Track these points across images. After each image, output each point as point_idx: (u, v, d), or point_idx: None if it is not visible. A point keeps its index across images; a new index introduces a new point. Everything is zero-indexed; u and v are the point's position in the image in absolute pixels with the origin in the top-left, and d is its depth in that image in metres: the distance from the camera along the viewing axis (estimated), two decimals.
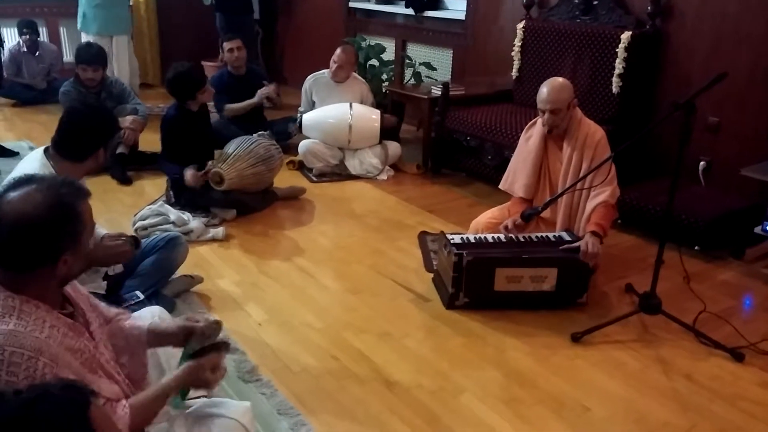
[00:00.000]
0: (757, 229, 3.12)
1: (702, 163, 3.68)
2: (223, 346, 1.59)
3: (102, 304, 1.62)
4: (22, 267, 1.28)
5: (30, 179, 1.32)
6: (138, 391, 1.51)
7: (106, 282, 2.42)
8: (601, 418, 2.12)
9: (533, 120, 3.00)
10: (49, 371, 1.22)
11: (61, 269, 1.30)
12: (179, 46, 6.88)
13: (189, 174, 3.46)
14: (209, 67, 6.54)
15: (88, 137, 2.23)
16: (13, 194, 1.28)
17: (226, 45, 4.67)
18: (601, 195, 2.74)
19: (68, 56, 6.45)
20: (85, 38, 5.28)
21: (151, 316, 1.75)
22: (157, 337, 1.62)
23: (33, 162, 2.23)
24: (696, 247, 3.27)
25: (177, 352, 1.65)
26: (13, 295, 1.27)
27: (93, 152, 2.23)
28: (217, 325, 1.60)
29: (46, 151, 2.26)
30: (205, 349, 1.55)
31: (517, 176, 2.99)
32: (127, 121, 4.15)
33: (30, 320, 1.26)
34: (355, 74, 4.70)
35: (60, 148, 2.23)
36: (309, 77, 4.64)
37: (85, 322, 1.42)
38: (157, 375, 1.70)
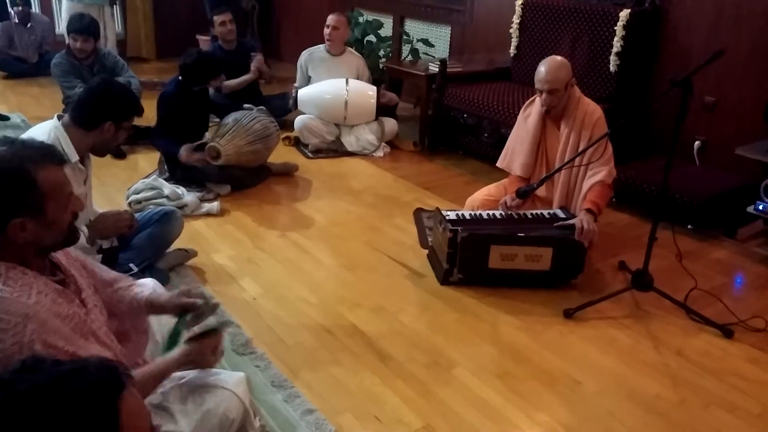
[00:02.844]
0: (750, 209, 3.13)
1: (697, 142, 3.68)
2: (222, 328, 1.61)
3: (100, 267, 1.62)
4: None
5: (1, 141, 1.30)
6: (138, 359, 1.52)
7: (101, 255, 2.42)
8: (592, 392, 2.15)
9: (531, 98, 2.99)
10: (37, 337, 1.21)
11: (19, 234, 1.26)
12: (173, 20, 6.80)
13: (184, 151, 3.44)
14: (203, 41, 6.49)
15: (98, 107, 2.22)
16: None
17: (217, 18, 4.62)
18: (598, 174, 2.75)
19: (60, 28, 6.37)
20: (75, 9, 5.18)
21: (153, 284, 1.75)
22: (155, 309, 1.63)
23: (44, 125, 2.25)
24: (689, 226, 3.29)
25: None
26: None
27: (98, 124, 2.20)
28: (215, 306, 1.62)
29: (60, 116, 2.26)
30: (205, 333, 1.55)
31: (515, 155, 2.98)
32: None
33: (17, 286, 1.24)
34: (351, 49, 4.66)
35: (73, 111, 2.24)
36: (304, 52, 4.60)
37: (76, 289, 1.40)
38: (152, 347, 1.72)
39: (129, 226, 2.33)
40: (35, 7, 6.24)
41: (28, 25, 5.82)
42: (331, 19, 4.46)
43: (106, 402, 0.86)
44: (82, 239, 2.13)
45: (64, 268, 1.41)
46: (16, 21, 5.72)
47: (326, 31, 4.45)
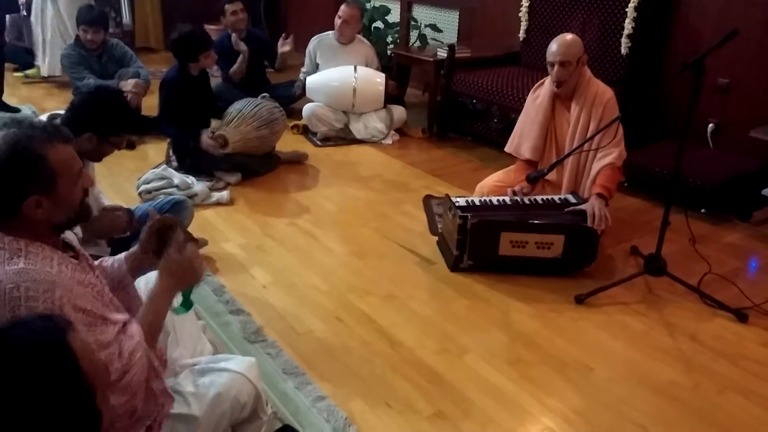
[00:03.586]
0: (765, 192, 3.09)
1: (711, 125, 3.63)
2: (174, 222, 1.59)
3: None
4: None
5: (8, 122, 1.31)
6: None
7: (110, 247, 2.43)
8: (605, 378, 2.14)
9: (541, 80, 2.96)
10: (66, 301, 1.25)
11: (34, 212, 1.29)
12: (181, 9, 6.77)
13: (205, 139, 3.45)
14: (212, 31, 6.43)
15: (80, 116, 2.15)
16: None
17: (228, 7, 4.58)
18: (608, 157, 2.71)
19: None
20: None
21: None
22: (131, 258, 1.63)
23: None
24: (702, 210, 3.25)
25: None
26: (17, 238, 1.29)
27: (78, 133, 2.09)
28: (167, 220, 1.61)
29: (52, 116, 2.23)
30: (162, 241, 1.55)
31: (524, 138, 2.96)
32: (129, 84, 4.12)
33: (38, 259, 1.28)
34: (361, 37, 4.63)
35: (65, 113, 2.21)
36: (313, 38, 4.57)
37: (89, 266, 1.45)
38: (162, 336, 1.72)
39: (125, 228, 2.30)
40: None
41: None
42: (343, 11, 4.41)
43: (57, 341, 0.89)
44: (75, 240, 2.12)
45: (76, 249, 1.45)
46: (25, 13, 5.72)
47: (337, 22, 4.41)
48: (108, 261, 1.64)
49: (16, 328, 0.90)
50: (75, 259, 1.40)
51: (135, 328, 1.40)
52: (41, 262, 1.28)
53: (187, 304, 1.55)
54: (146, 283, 1.71)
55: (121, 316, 1.41)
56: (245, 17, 4.64)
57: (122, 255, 1.65)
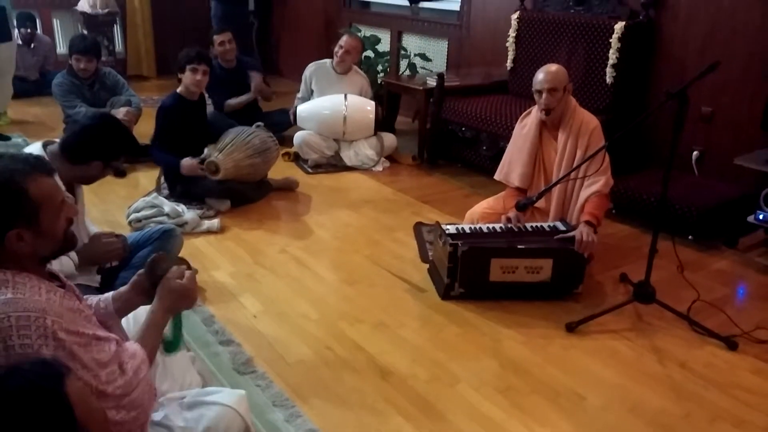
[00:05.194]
0: (750, 218, 3.13)
1: (695, 152, 3.69)
2: (177, 259, 1.64)
3: None
4: None
5: None
6: None
7: (99, 276, 2.42)
8: (596, 406, 2.13)
9: (528, 110, 3.00)
10: (58, 327, 1.25)
11: (17, 245, 1.29)
12: (173, 38, 6.84)
13: (185, 163, 3.45)
14: None
15: (89, 146, 2.18)
16: None
17: (217, 38, 4.61)
18: (595, 185, 2.75)
19: (62, 48, 6.42)
20: None
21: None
22: (121, 299, 1.63)
23: (29, 151, 2.22)
24: (690, 237, 3.28)
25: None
26: (3, 270, 1.29)
27: (86, 161, 2.16)
28: (160, 256, 1.64)
29: (45, 144, 2.23)
30: (161, 271, 1.58)
31: (513, 166, 2.99)
32: (120, 112, 4.13)
33: (26, 288, 1.28)
34: (357, 68, 4.69)
35: (63, 141, 2.21)
36: (311, 65, 4.62)
37: (77, 296, 1.45)
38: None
39: (119, 254, 2.31)
40: (36, 28, 6.28)
41: (32, 45, 5.86)
42: (346, 42, 4.47)
43: (52, 390, 0.88)
44: (71, 265, 2.11)
45: (62, 279, 1.45)
46: (20, 42, 5.75)
47: (338, 51, 4.46)
48: (93, 300, 1.63)
49: (13, 377, 0.89)
50: (62, 288, 1.40)
51: (136, 348, 1.42)
52: (29, 290, 1.28)
53: (175, 341, 1.55)
54: (134, 320, 1.70)
55: (114, 335, 1.41)
56: (233, 48, 4.68)
57: (109, 295, 1.64)
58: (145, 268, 1.63)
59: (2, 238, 1.27)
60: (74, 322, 1.31)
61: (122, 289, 1.65)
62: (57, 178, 1.42)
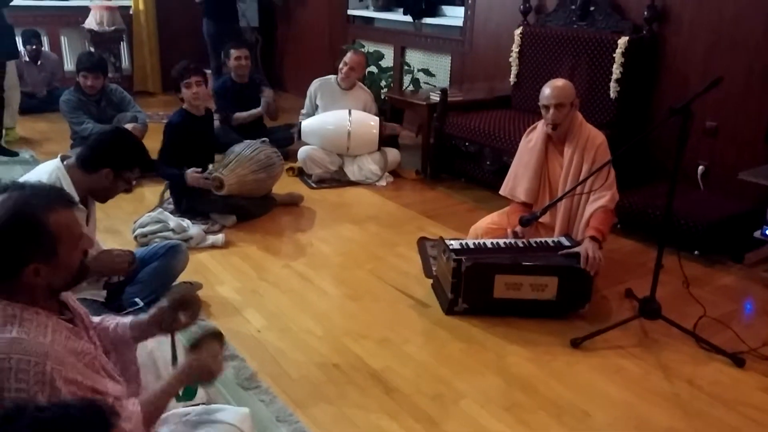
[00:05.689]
0: (757, 233, 3.12)
1: (700, 167, 3.68)
2: (219, 335, 1.60)
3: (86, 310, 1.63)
4: None
5: (10, 186, 1.32)
6: (130, 390, 1.51)
7: (105, 290, 2.42)
8: (602, 423, 2.12)
9: (533, 125, 3.01)
10: (57, 375, 1.23)
11: (33, 279, 1.28)
12: (179, 54, 6.88)
13: (189, 174, 3.48)
14: (207, 76, 6.57)
15: (101, 152, 2.22)
16: None
17: (234, 53, 4.67)
18: (600, 200, 2.75)
19: (69, 65, 6.49)
20: None
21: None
22: (139, 328, 1.62)
23: (47, 165, 2.26)
24: (695, 252, 3.27)
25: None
26: (12, 303, 1.27)
27: (97, 168, 2.20)
28: (186, 288, 1.62)
29: (63, 158, 2.27)
30: (200, 340, 1.55)
31: (518, 180, 2.99)
32: (127, 128, 4.16)
33: (32, 326, 1.26)
34: (361, 84, 4.72)
35: (80, 151, 2.27)
36: (315, 81, 4.65)
37: (84, 327, 1.43)
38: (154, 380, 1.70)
39: (127, 268, 2.32)
40: (45, 45, 6.36)
41: (39, 62, 5.92)
42: (350, 58, 4.52)
43: None
44: None
45: (71, 307, 1.43)
46: (27, 59, 5.82)
47: (343, 68, 4.50)
48: (111, 322, 1.62)
49: (62, 424, 0.87)
50: (70, 323, 1.38)
51: (132, 411, 1.36)
52: (35, 330, 1.26)
53: (189, 393, 1.56)
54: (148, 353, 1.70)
55: (113, 388, 1.37)
56: (248, 65, 4.74)
57: (127, 321, 1.62)
58: (169, 303, 1.60)
59: (19, 271, 1.27)
60: (75, 369, 1.28)
61: (142, 318, 1.62)
62: (76, 211, 1.42)
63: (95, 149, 2.24)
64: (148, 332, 1.62)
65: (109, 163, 2.21)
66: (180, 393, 1.53)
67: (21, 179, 1.71)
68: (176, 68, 3.65)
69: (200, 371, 1.52)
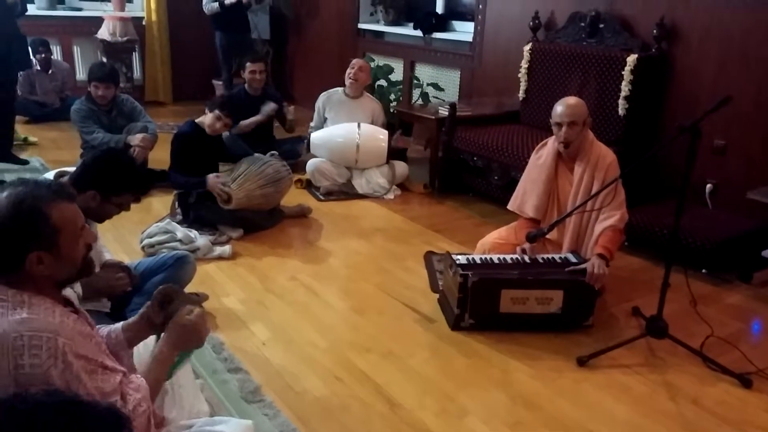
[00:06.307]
0: (765, 253, 3.10)
1: (709, 185, 3.67)
2: (174, 290, 1.63)
3: None
4: (1, 265, 1.33)
5: (13, 182, 1.37)
6: None
7: (110, 301, 2.43)
8: None
9: (544, 141, 3.01)
10: (69, 349, 1.28)
11: (36, 268, 1.33)
12: (190, 65, 6.98)
13: (211, 178, 3.53)
14: (218, 86, 6.65)
15: (88, 173, 2.18)
16: None
17: (250, 66, 4.70)
18: (610, 219, 2.74)
19: (81, 74, 6.56)
20: None
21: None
22: (132, 330, 1.65)
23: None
24: (703, 270, 3.25)
25: None
26: (21, 291, 1.32)
27: (83, 189, 2.13)
28: (168, 288, 1.65)
29: (58, 175, 2.26)
30: (171, 307, 1.58)
31: (527, 196, 2.99)
32: (137, 138, 4.20)
33: (41, 309, 1.31)
34: (368, 93, 4.75)
35: (75, 170, 2.24)
36: (322, 94, 4.69)
37: (89, 323, 1.48)
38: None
39: (125, 288, 2.31)
40: (57, 54, 6.43)
41: (50, 71, 5.99)
42: (356, 61, 4.62)
43: None
44: (75, 297, 2.13)
45: (76, 306, 1.49)
46: (38, 68, 5.89)
47: (350, 71, 4.55)
48: (104, 330, 1.65)
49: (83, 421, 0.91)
50: (75, 314, 1.43)
51: (140, 382, 1.43)
52: (44, 312, 1.31)
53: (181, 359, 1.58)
54: (144, 348, 1.71)
55: (121, 367, 1.43)
56: (263, 79, 4.79)
57: (119, 325, 1.66)
58: (153, 299, 1.65)
59: (22, 259, 1.31)
60: (84, 346, 1.34)
61: (132, 319, 1.67)
62: (77, 206, 1.45)
63: (85, 169, 2.19)
64: (140, 333, 1.66)
65: (95, 186, 2.15)
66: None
67: None
68: (217, 101, 3.71)
69: (181, 329, 1.56)
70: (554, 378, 2.43)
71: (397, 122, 4.91)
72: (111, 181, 2.19)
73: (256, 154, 3.81)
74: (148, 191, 2.34)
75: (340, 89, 4.65)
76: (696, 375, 2.47)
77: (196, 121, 3.68)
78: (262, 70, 4.76)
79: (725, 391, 2.38)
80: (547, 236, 2.82)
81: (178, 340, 1.57)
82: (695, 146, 2.35)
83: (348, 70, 4.57)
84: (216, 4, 5.91)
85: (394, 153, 4.54)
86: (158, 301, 1.64)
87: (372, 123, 4.57)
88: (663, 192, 3.72)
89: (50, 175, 2.28)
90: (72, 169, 2.33)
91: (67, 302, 1.45)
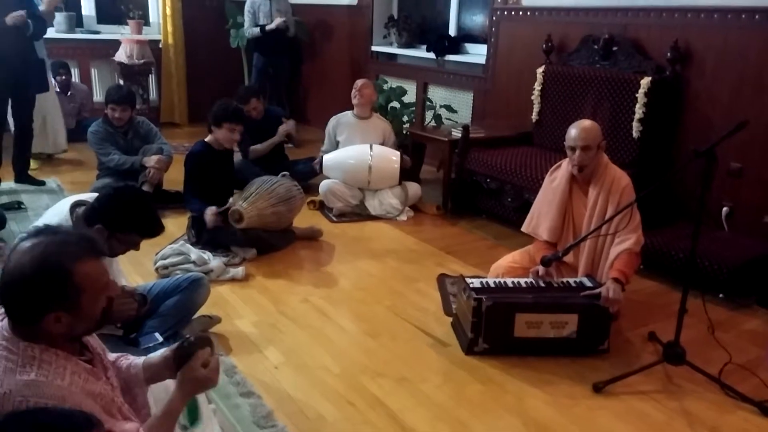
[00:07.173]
0: None
1: (725, 208, 3.63)
2: (203, 341, 1.59)
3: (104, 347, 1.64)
4: (18, 319, 1.30)
5: (44, 231, 1.35)
6: None
7: (121, 327, 2.43)
8: None
9: (558, 163, 3.00)
10: None
11: (53, 326, 1.29)
12: (206, 87, 7.07)
13: (208, 216, 3.53)
14: None
15: (96, 208, 2.19)
16: (24, 244, 1.31)
17: (245, 107, 4.47)
18: (626, 242, 2.72)
19: (99, 96, 6.66)
20: None
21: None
22: (151, 369, 1.62)
23: (58, 212, 2.28)
24: (720, 295, 3.20)
25: None
26: (33, 344, 1.29)
27: (91, 224, 2.14)
28: (204, 339, 1.61)
29: (74, 206, 2.28)
30: (188, 353, 1.55)
31: (541, 219, 2.97)
32: (152, 160, 4.25)
33: (51, 369, 1.28)
34: (378, 114, 4.78)
35: (87, 206, 2.24)
36: (332, 118, 4.73)
37: (103, 368, 1.44)
38: None
39: (133, 315, 2.27)
40: (75, 76, 6.55)
41: (69, 93, 6.09)
42: (358, 82, 4.67)
43: None
44: None
45: (91, 347, 1.45)
46: (57, 90, 5.99)
47: (356, 94, 4.59)
48: (125, 361, 1.64)
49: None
50: (89, 364, 1.39)
51: None
52: (53, 372, 1.28)
53: (192, 417, 1.56)
54: (165, 388, 1.71)
55: (129, 426, 1.39)
56: (261, 108, 4.80)
57: (140, 362, 1.63)
58: (175, 350, 1.60)
59: (41, 318, 1.28)
60: (92, 411, 1.29)
61: (153, 359, 1.64)
62: (105, 260, 1.43)
63: (96, 203, 2.20)
64: (159, 375, 1.63)
65: (102, 221, 2.14)
66: (184, 417, 1.54)
67: (35, 224, 1.73)
68: (226, 107, 3.71)
69: (193, 383, 1.53)
70: (570, 405, 2.39)
71: (410, 144, 4.93)
72: (116, 218, 2.16)
73: (268, 175, 3.84)
74: (156, 235, 2.27)
75: (349, 112, 4.69)
76: (714, 402, 2.42)
77: (206, 140, 3.72)
78: (255, 107, 4.70)
79: (744, 419, 2.33)
80: (563, 259, 2.80)
81: (190, 390, 1.53)
82: (711, 171, 2.33)
83: (353, 92, 4.61)
84: (257, 29, 6.17)
85: (407, 174, 4.54)
86: (178, 352, 1.58)
87: (383, 143, 4.59)
88: (678, 215, 3.69)
89: (66, 204, 2.29)
90: (88, 195, 2.35)
91: (82, 347, 1.42)
